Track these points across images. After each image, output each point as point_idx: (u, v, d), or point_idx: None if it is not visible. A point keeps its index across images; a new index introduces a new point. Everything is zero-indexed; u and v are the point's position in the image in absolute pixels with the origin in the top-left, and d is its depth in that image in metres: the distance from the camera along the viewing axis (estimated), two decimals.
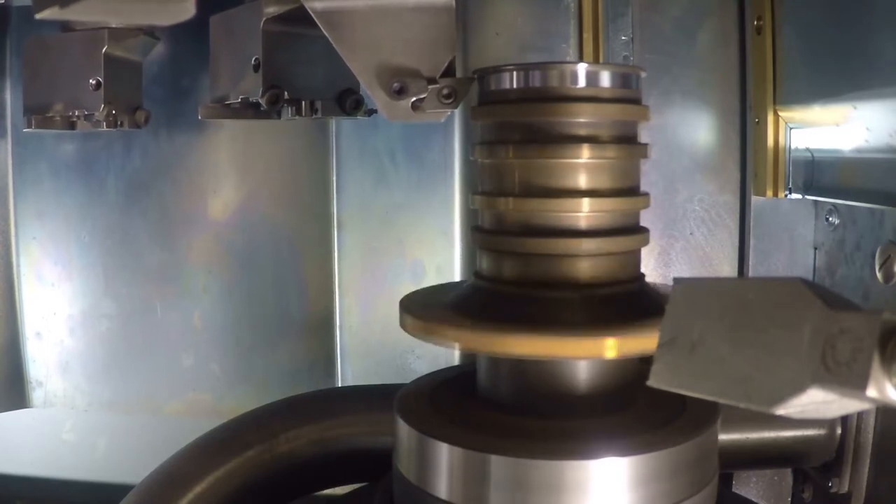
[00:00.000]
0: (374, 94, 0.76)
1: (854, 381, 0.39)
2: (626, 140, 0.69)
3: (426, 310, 0.69)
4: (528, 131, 0.67)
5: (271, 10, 0.91)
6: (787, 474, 1.07)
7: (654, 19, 1.13)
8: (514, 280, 0.68)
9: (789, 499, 1.07)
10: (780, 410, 0.42)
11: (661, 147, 1.12)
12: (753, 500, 0.98)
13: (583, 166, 0.66)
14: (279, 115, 0.98)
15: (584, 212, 0.66)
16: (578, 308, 0.66)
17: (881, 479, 0.88)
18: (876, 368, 0.38)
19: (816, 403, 0.41)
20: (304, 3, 0.75)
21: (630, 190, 0.70)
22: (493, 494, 0.62)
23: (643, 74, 0.71)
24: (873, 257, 0.95)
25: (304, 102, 0.97)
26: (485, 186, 0.71)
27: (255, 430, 0.88)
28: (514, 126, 0.68)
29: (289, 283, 1.31)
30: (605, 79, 0.68)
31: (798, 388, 0.41)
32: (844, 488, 0.90)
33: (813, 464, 0.92)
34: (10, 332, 1.37)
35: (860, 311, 0.40)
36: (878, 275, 0.94)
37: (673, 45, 1.14)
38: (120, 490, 0.88)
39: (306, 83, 0.94)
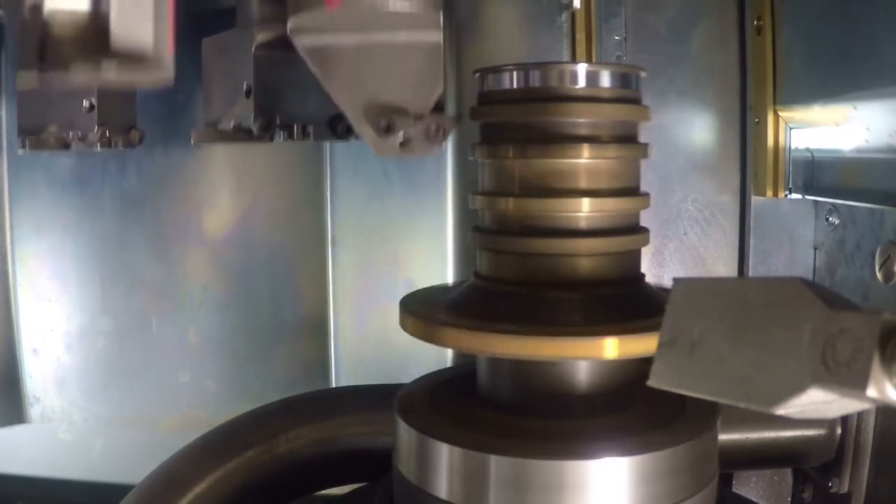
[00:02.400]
0: (361, 130, 0.75)
1: (854, 381, 0.39)
2: (626, 140, 0.69)
3: (426, 310, 0.69)
4: (528, 131, 0.67)
5: (262, 36, 0.91)
6: (787, 474, 1.07)
7: (648, 19, 1.13)
8: (514, 280, 0.68)
9: (789, 499, 1.07)
10: (780, 410, 0.42)
11: (657, 147, 1.11)
12: (753, 500, 0.98)
13: (583, 166, 0.66)
14: (272, 139, 0.99)
15: (584, 212, 0.66)
16: (578, 308, 0.66)
17: (881, 479, 0.88)
18: (876, 368, 0.38)
19: (816, 403, 0.41)
20: (291, 40, 0.74)
21: (630, 190, 0.70)
22: (493, 494, 0.62)
23: (643, 74, 0.71)
24: (873, 257, 0.95)
25: (295, 127, 0.97)
26: (485, 186, 0.71)
27: (255, 431, 0.88)
28: (514, 126, 0.68)
29: (284, 299, 1.32)
30: (605, 79, 0.68)
31: (798, 388, 0.41)
32: (844, 488, 0.90)
33: (813, 464, 0.92)
34: (7, 347, 1.38)
35: (860, 311, 0.40)
36: (878, 275, 0.94)
37: (668, 46, 1.14)
38: (119, 490, 0.88)
39: (298, 108, 0.94)
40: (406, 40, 0.74)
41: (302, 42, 0.74)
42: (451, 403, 0.71)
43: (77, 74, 0.41)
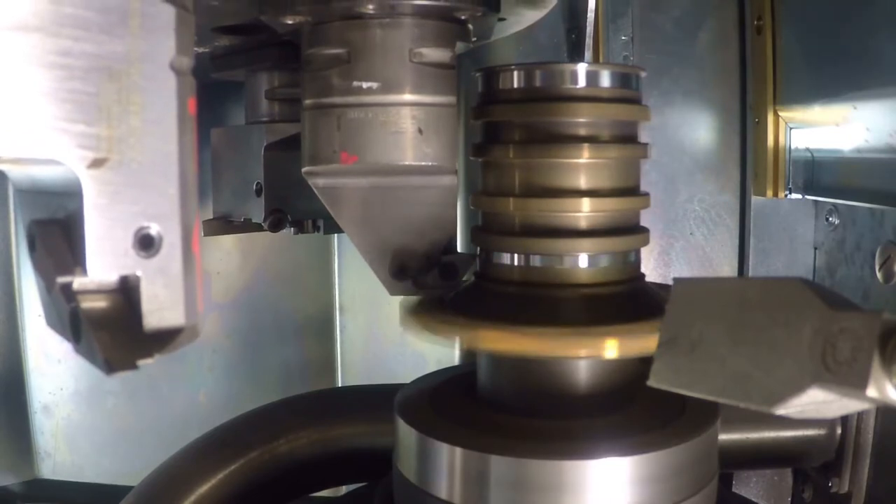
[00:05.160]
0: (374, 270, 0.75)
1: (854, 381, 0.39)
2: (627, 140, 0.69)
3: (427, 309, 0.69)
4: (529, 131, 0.67)
5: (273, 135, 0.93)
6: (787, 474, 1.07)
7: (654, 19, 1.13)
8: (515, 280, 0.68)
9: (789, 499, 1.07)
10: (780, 410, 0.42)
11: (662, 147, 1.11)
12: (753, 500, 0.98)
13: (583, 166, 0.66)
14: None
15: (584, 212, 0.66)
16: (578, 308, 0.66)
17: (881, 479, 0.88)
18: (876, 368, 0.38)
19: (816, 403, 0.41)
20: (306, 179, 0.74)
21: (630, 190, 0.70)
22: (493, 494, 0.62)
23: (643, 74, 0.71)
24: (873, 257, 0.95)
25: (306, 222, 0.98)
26: (485, 186, 0.71)
27: (256, 431, 0.88)
28: (514, 126, 0.68)
29: (291, 358, 1.38)
30: (605, 79, 0.68)
31: (798, 388, 0.41)
32: (844, 488, 0.90)
33: (813, 464, 0.92)
34: (18, 405, 1.39)
35: (860, 311, 0.40)
36: (878, 275, 0.94)
37: (673, 45, 1.13)
38: (120, 490, 0.88)
39: (308, 205, 0.93)
40: (423, 183, 0.74)
41: (317, 182, 0.74)
42: (452, 403, 0.71)
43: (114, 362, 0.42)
